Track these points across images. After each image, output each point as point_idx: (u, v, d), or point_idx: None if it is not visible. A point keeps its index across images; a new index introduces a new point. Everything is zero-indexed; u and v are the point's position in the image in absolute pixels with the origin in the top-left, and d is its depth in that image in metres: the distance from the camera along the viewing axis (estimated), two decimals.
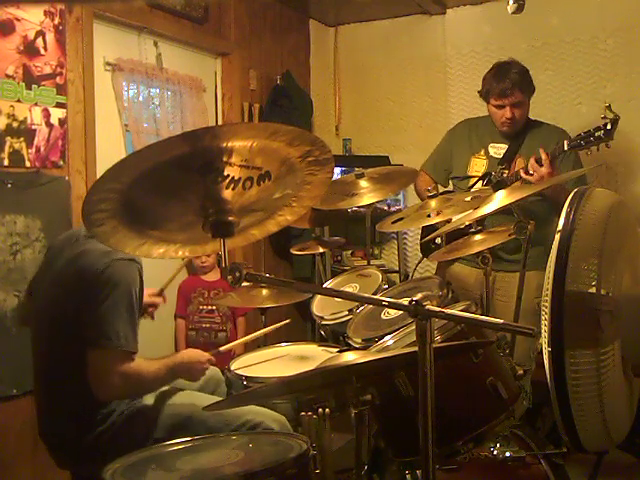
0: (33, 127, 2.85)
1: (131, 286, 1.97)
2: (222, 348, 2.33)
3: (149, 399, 2.11)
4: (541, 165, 2.69)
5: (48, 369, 2.07)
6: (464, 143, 3.20)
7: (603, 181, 3.74)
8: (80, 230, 2.15)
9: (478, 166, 3.11)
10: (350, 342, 2.20)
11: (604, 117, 2.59)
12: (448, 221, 2.53)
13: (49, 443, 2.10)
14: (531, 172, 2.72)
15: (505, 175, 2.95)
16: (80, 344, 1.96)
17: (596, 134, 2.60)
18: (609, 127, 2.57)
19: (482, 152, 3.12)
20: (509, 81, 2.92)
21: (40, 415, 2.11)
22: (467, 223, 2.47)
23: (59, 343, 2.02)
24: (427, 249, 3.19)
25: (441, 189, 3.27)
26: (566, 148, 2.69)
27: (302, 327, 4.46)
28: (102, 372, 1.95)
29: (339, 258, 4.67)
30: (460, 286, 3.01)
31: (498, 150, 3.09)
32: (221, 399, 2.19)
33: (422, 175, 3.29)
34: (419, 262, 3.38)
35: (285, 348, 2.54)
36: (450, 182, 3.28)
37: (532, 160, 2.74)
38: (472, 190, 3.00)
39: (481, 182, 3.07)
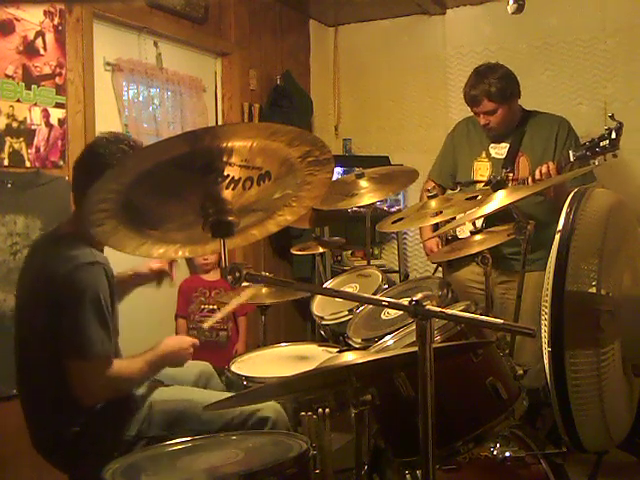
0: (33, 127, 2.85)
1: (98, 290, 1.94)
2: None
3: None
4: (549, 174, 2.69)
5: (30, 373, 2.05)
6: (464, 145, 3.20)
7: (603, 181, 3.74)
8: (54, 231, 2.14)
9: (482, 170, 3.10)
10: (350, 342, 2.20)
11: (607, 128, 2.55)
12: (448, 221, 2.54)
13: (42, 449, 2.08)
14: (538, 178, 2.71)
15: (511, 178, 2.94)
16: (56, 351, 1.94)
17: (601, 144, 2.57)
18: (613, 136, 2.53)
19: (484, 155, 3.11)
20: (478, 90, 2.94)
21: (28, 421, 2.09)
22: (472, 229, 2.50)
23: (37, 348, 2.01)
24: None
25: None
26: (572, 159, 2.67)
27: (302, 327, 4.47)
28: (83, 382, 1.93)
29: (339, 258, 4.67)
30: (470, 284, 3.02)
31: (500, 150, 3.08)
32: (216, 393, 2.19)
33: (429, 183, 3.29)
34: (439, 265, 3.33)
35: (285, 348, 2.54)
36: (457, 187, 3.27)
37: (541, 168, 2.73)
38: None
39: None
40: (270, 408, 2.04)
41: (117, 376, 1.97)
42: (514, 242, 2.53)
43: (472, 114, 3.22)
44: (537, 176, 2.73)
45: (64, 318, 1.92)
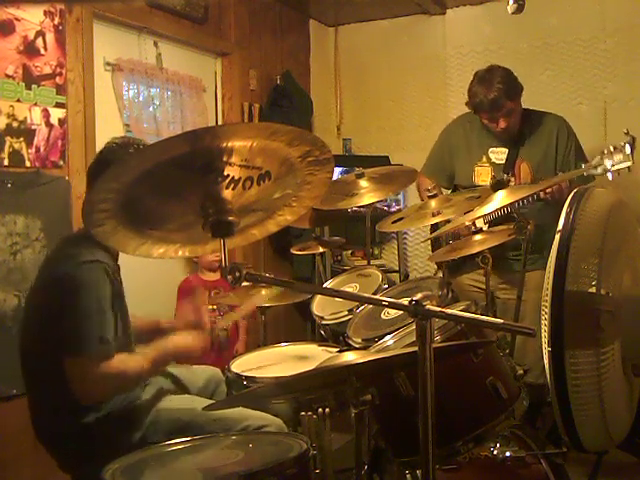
0: (33, 127, 2.85)
1: (97, 288, 1.94)
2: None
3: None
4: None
5: (36, 372, 2.06)
6: (462, 149, 3.17)
7: (603, 181, 3.74)
8: (70, 234, 2.18)
9: (484, 175, 3.08)
10: (350, 342, 2.19)
11: (623, 143, 2.51)
12: (448, 221, 2.53)
13: (46, 445, 2.09)
14: (549, 191, 2.72)
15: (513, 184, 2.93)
16: (57, 350, 1.95)
17: (615, 158, 2.52)
18: (628, 151, 2.48)
19: (484, 159, 3.09)
20: (495, 93, 2.86)
21: (33, 417, 2.10)
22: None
23: (44, 346, 2.00)
24: (438, 246, 3.18)
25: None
26: (585, 174, 2.65)
27: (302, 327, 4.46)
28: (81, 378, 1.92)
29: (339, 258, 4.67)
30: (472, 288, 3.02)
31: (499, 155, 3.06)
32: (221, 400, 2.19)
33: (421, 177, 3.26)
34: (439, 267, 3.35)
35: (285, 348, 2.53)
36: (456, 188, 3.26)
37: (553, 188, 2.72)
38: None
39: None
40: (274, 424, 2.04)
41: (115, 372, 1.94)
42: (517, 245, 2.53)
43: (465, 113, 3.16)
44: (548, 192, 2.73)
45: (66, 316, 1.92)
